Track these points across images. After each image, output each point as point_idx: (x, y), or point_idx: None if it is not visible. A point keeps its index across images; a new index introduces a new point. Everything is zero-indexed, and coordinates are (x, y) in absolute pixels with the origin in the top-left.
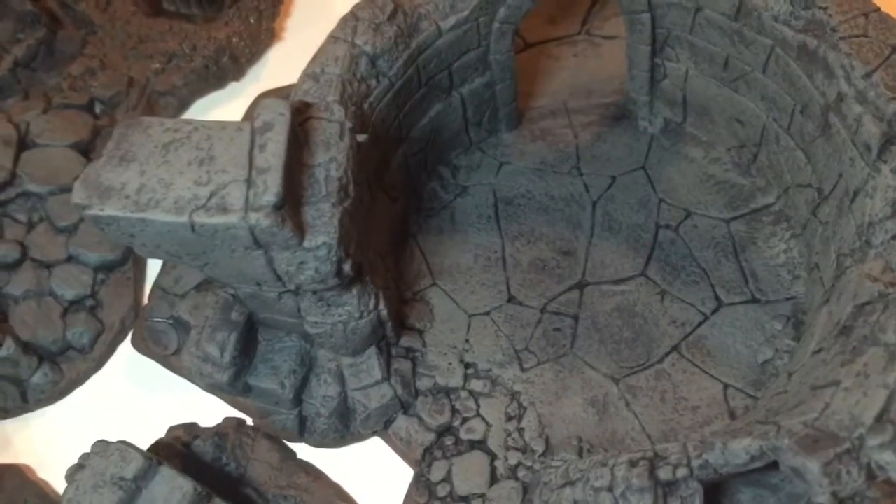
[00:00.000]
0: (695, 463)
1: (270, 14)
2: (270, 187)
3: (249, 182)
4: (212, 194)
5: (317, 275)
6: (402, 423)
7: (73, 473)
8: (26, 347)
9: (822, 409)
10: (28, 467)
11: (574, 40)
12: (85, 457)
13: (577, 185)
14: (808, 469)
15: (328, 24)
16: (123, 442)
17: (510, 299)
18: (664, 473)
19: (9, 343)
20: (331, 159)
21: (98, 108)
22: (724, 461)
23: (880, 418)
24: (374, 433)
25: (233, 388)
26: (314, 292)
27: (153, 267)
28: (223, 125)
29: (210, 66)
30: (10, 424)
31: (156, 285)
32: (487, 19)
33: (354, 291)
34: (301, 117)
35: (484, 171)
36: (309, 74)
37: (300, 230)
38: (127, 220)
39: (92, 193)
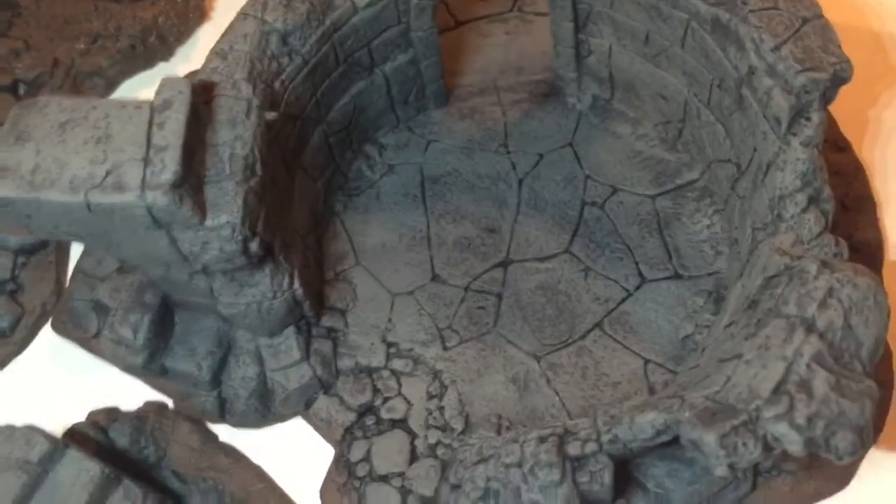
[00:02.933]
0: (604, 438)
1: None
2: (168, 165)
3: (147, 160)
4: (108, 173)
5: (221, 254)
6: (322, 403)
7: None
8: None
9: (724, 383)
10: None
11: (505, 17)
12: None
13: (504, 162)
14: (704, 441)
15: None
16: (30, 426)
17: (434, 278)
18: (573, 449)
19: None
20: (236, 137)
21: (22, 90)
22: (632, 436)
23: (777, 390)
24: (296, 414)
25: (148, 370)
26: (224, 272)
27: (76, 250)
28: (122, 103)
29: (137, 46)
30: None
31: (77, 268)
32: None
33: (267, 270)
34: (207, 95)
35: (411, 149)
36: (217, 52)
37: (201, 209)
38: (22, 201)
39: None
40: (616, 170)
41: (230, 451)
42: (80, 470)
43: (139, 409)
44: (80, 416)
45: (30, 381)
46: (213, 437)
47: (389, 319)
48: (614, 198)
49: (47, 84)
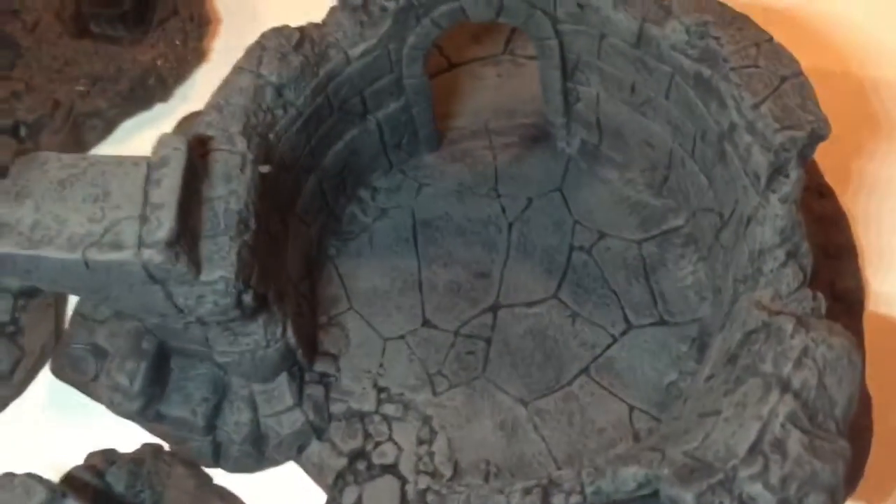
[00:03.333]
0: (588, 490)
1: (197, 35)
2: (164, 224)
3: (143, 218)
4: (105, 231)
5: (216, 307)
6: (315, 448)
7: None
8: None
9: (703, 439)
10: None
11: (498, 60)
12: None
13: (494, 206)
14: (682, 499)
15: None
16: (29, 474)
17: (425, 323)
18: (557, 501)
19: None
20: (231, 192)
21: (23, 132)
22: (615, 488)
23: (753, 450)
24: (289, 458)
25: (144, 416)
26: (219, 323)
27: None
28: (120, 161)
29: (136, 88)
30: None
31: (76, 311)
32: (398, 45)
33: (261, 321)
34: (203, 149)
35: (404, 193)
36: (213, 105)
37: (196, 265)
38: (21, 257)
39: None
40: (603, 215)
41: (225, 495)
42: None
43: (136, 451)
44: (78, 458)
45: (28, 423)
46: (209, 480)
47: (381, 364)
48: (602, 243)
49: (48, 126)
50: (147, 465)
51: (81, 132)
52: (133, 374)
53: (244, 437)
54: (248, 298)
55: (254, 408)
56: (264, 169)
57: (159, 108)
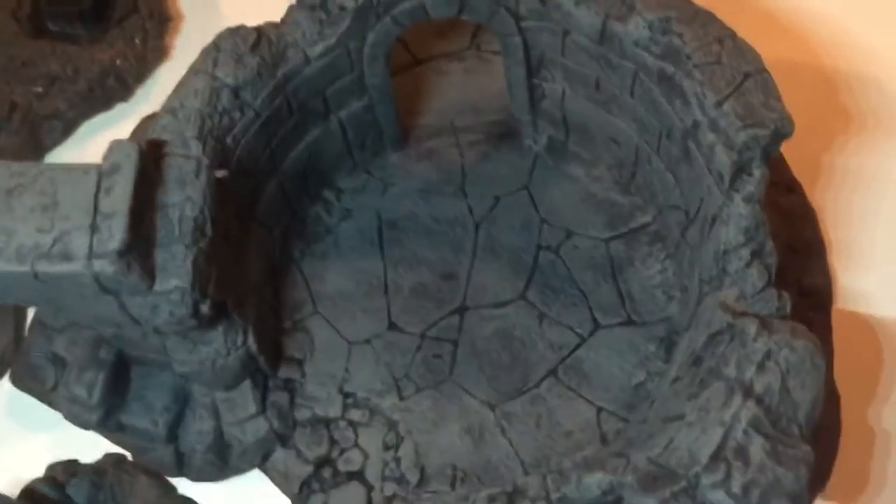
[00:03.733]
0: (553, 496)
1: (157, 33)
2: (115, 234)
3: (94, 228)
4: (55, 241)
5: (171, 318)
6: (279, 455)
7: None
8: None
9: (666, 444)
10: None
11: (464, 55)
12: None
13: (461, 206)
14: None
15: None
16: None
17: (391, 326)
18: None
19: None
20: (186, 198)
21: None
22: (579, 495)
23: (715, 456)
24: (253, 466)
25: (104, 427)
26: (176, 332)
27: None
28: (69, 168)
29: (95, 88)
30: None
31: (35, 319)
32: (358, 44)
33: (220, 329)
34: (157, 153)
35: (369, 193)
36: (167, 109)
37: (150, 274)
38: None
39: None
40: (571, 213)
41: None
42: None
43: (97, 462)
44: (38, 470)
45: None
46: (172, 490)
47: (346, 369)
48: (569, 241)
49: (5, 128)
50: (109, 476)
51: (40, 134)
52: (91, 384)
53: (207, 446)
54: (205, 308)
55: (216, 416)
56: (220, 173)
57: (120, 108)
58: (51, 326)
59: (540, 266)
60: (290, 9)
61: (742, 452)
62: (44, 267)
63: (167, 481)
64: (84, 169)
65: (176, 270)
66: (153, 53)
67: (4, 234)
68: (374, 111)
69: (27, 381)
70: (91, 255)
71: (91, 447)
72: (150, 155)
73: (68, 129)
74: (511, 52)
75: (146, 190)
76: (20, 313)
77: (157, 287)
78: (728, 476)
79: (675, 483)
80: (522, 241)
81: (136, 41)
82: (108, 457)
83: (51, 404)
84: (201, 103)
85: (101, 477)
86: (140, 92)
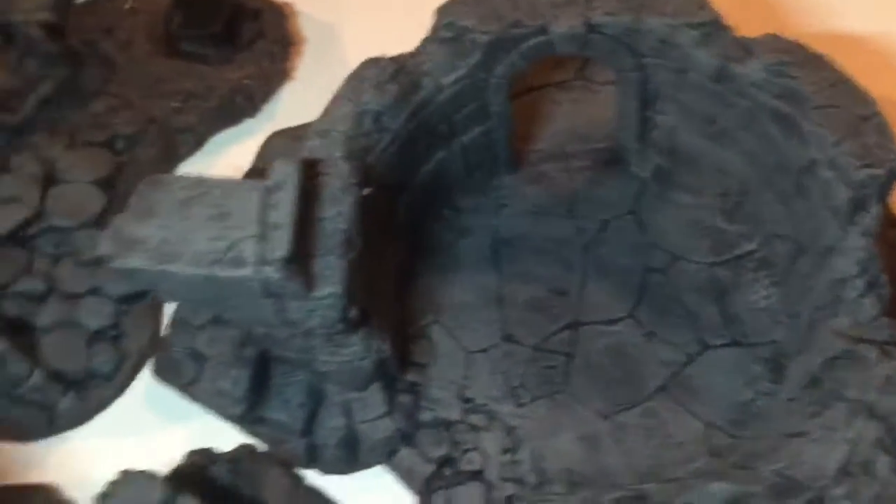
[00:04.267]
0: (677, 502)
1: (282, 56)
2: (281, 244)
3: (262, 238)
4: (228, 249)
5: (324, 321)
6: (404, 454)
7: (101, 501)
8: (54, 375)
9: (792, 459)
10: (54, 487)
11: (572, 85)
12: (111, 485)
13: (570, 227)
14: None
15: (337, 66)
16: (147, 471)
17: (506, 337)
18: None
19: (37, 374)
20: (338, 213)
21: (119, 145)
22: (702, 503)
23: (842, 471)
24: (379, 462)
25: (245, 420)
26: (323, 335)
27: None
28: (237, 184)
29: (225, 105)
30: (37, 447)
31: (174, 318)
32: (485, 74)
33: (361, 334)
34: (311, 172)
35: (484, 212)
36: (317, 132)
37: (309, 281)
38: (151, 273)
39: (118, 246)
40: (677, 237)
41: (319, 496)
42: None
43: (233, 451)
44: (176, 456)
45: (129, 422)
46: (301, 480)
47: (465, 376)
48: (675, 265)
49: (143, 140)
50: (245, 464)
51: (174, 146)
52: (237, 379)
53: (338, 442)
54: (352, 313)
55: (348, 414)
56: (365, 191)
57: (246, 123)
58: (190, 325)
59: (648, 287)
60: (425, 41)
61: (868, 468)
62: (218, 271)
63: (296, 472)
64: (251, 185)
65: (330, 279)
66: (278, 74)
67: (182, 241)
68: (492, 136)
69: (168, 374)
70: (260, 262)
71: (223, 438)
72: (306, 173)
73: (199, 141)
74: (627, 85)
75: (305, 205)
76: (158, 312)
77: (315, 293)
78: (856, 488)
79: (803, 494)
80: (630, 262)
81: (263, 63)
82: (243, 447)
83: (190, 396)
84: (347, 127)
85: (237, 464)
86: (265, 109)
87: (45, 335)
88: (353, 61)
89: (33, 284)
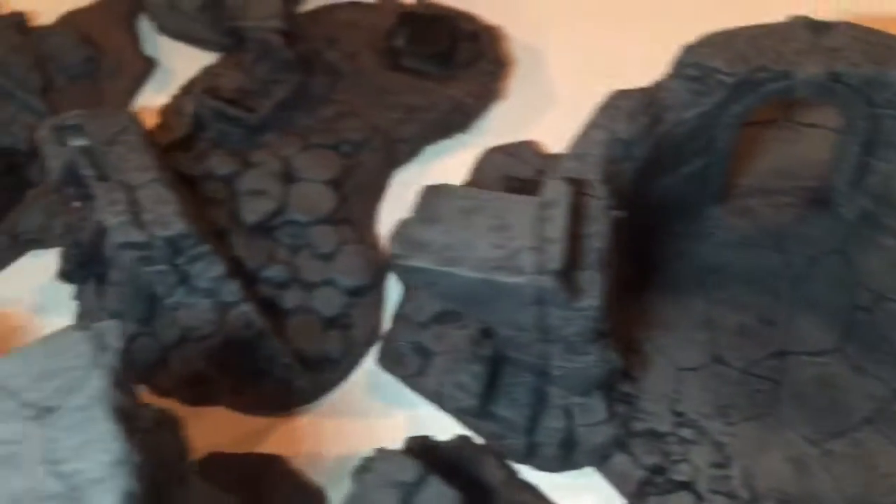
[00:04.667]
0: None
1: (497, 76)
2: (555, 256)
3: (538, 250)
4: (507, 257)
5: (579, 330)
6: (618, 458)
7: (359, 473)
8: (295, 355)
9: None
10: (284, 458)
11: (780, 125)
12: (369, 460)
13: (777, 260)
14: None
15: (544, 87)
16: (401, 451)
17: (716, 358)
18: None
19: (286, 353)
20: (596, 232)
21: (345, 149)
22: None
23: None
24: (591, 464)
25: (475, 413)
26: (566, 341)
27: (393, 295)
28: (513, 199)
29: (443, 119)
30: (271, 420)
31: (399, 312)
32: (721, 112)
33: (599, 343)
34: (575, 192)
35: (694, 239)
36: (574, 156)
37: (575, 293)
38: (434, 272)
39: (406, 247)
40: (884, 279)
41: (531, 489)
42: (441, 495)
43: (452, 440)
44: (393, 441)
45: (350, 405)
46: (515, 473)
47: (676, 391)
48: (883, 305)
49: (367, 146)
50: (464, 452)
51: (393, 153)
52: (475, 375)
53: (558, 442)
54: (602, 325)
55: (569, 417)
56: (618, 214)
57: (458, 137)
58: (414, 321)
59: (855, 323)
60: (669, 76)
61: None
62: (498, 277)
63: (509, 465)
64: (526, 201)
65: (590, 292)
66: (491, 93)
67: (465, 246)
68: (710, 169)
69: (392, 364)
70: (537, 271)
71: (438, 427)
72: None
73: (414, 151)
74: (854, 132)
75: (572, 222)
76: (383, 306)
77: (578, 304)
78: None
79: None
80: (837, 298)
81: (480, 82)
82: (460, 437)
83: (412, 387)
84: (601, 152)
85: (458, 452)
86: (476, 126)
87: (288, 318)
88: (559, 84)
89: (278, 272)
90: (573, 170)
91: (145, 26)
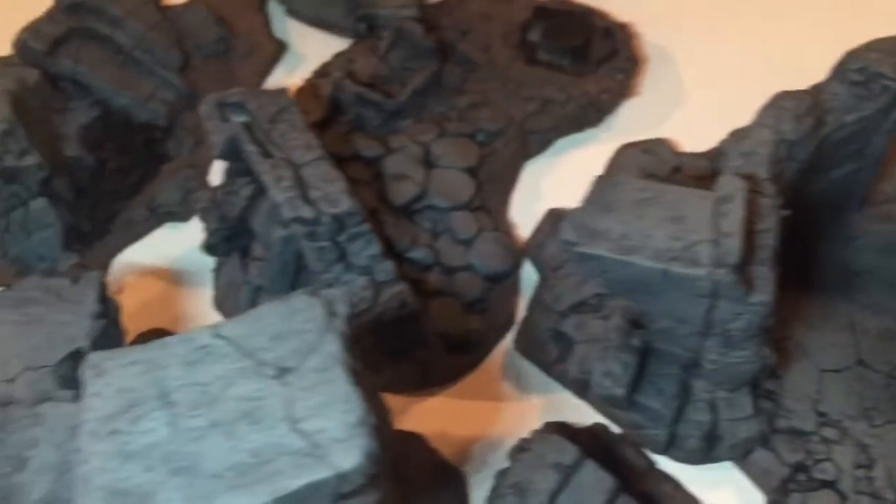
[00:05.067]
0: None
1: (631, 73)
2: (732, 250)
3: (715, 243)
4: (684, 249)
5: (747, 325)
6: (760, 454)
7: (515, 453)
8: (438, 337)
9: None
10: (427, 436)
11: None
12: (526, 441)
13: None
14: None
15: (675, 86)
16: (558, 434)
17: (859, 362)
18: None
19: (430, 335)
20: (767, 229)
21: (480, 138)
22: None
23: None
24: (731, 459)
25: (623, 402)
26: (722, 335)
27: (528, 283)
28: (688, 192)
29: (577, 113)
30: (410, 401)
31: (536, 299)
32: (881, 117)
33: (755, 340)
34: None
35: (837, 243)
36: (741, 153)
37: (748, 287)
38: (610, 260)
39: (581, 234)
40: None
41: (671, 480)
42: (597, 479)
43: (589, 427)
44: (528, 426)
45: (485, 389)
46: (655, 464)
47: (818, 391)
48: None
49: (502, 136)
50: (603, 441)
51: (526, 145)
52: (626, 364)
53: (702, 435)
54: (768, 321)
55: (714, 411)
56: (785, 213)
57: (588, 132)
58: (552, 308)
59: None
60: (828, 79)
61: None
62: (675, 268)
63: (646, 453)
64: (701, 195)
65: (762, 287)
66: (624, 90)
67: (641, 236)
68: (858, 175)
69: (530, 351)
70: (715, 264)
71: (573, 415)
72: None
73: (545, 143)
74: None
75: (748, 218)
76: (519, 292)
77: (751, 299)
78: None
79: None
80: None
81: (615, 78)
82: (598, 425)
83: (549, 373)
84: (767, 151)
85: (596, 439)
86: (606, 122)
87: (431, 300)
88: (690, 84)
89: (422, 254)
90: (739, 167)
91: (275, 9)
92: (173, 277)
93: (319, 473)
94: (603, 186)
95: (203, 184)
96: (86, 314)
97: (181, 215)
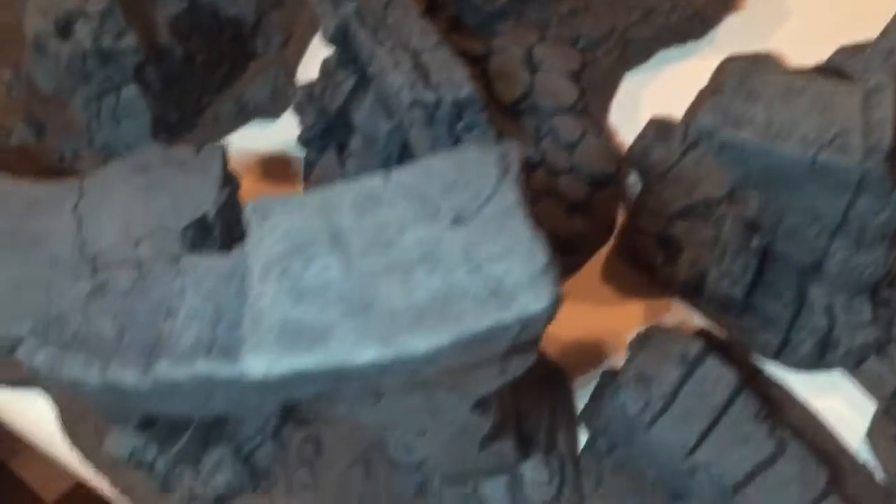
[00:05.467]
0: None
1: None
2: (883, 141)
3: (865, 133)
4: (833, 138)
5: (887, 222)
6: (874, 363)
7: (639, 344)
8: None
9: None
10: None
11: None
12: (650, 332)
13: None
14: None
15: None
16: (679, 328)
17: None
18: None
19: None
20: None
21: (582, 44)
22: None
23: None
24: (845, 367)
25: (738, 305)
26: (855, 233)
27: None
28: (836, 83)
29: (681, 24)
30: None
31: (639, 204)
32: None
33: (885, 242)
34: None
35: None
36: (879, 52)
37: (893, 183)
38: (752, 149)
39: (722, 120)
40: None
41: (779, 385)
42: (720, 375)
43: (695, 331)
44: (630, 329)
45: (588, 292)
46: (762, 370)
47: None
48: None
49: (603, 44)
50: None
51: (627, 54)
52: (745, 265)
53: (816, 341)
54: None
55: (831, 317)
56: None
57: (691, 44)
58: (661, 214)
59: None
60: None
61: None
62: (822, 156)
63: (753, 362)
64: (849, 87)
65: None
66: (729, 3)
67: (788, 124)
68: None
69: (634, 256)
70: (866, 153)
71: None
72: None
73: (648, 53)
74: None
75: None
76: (622, 197)
77: (894, 194)
78: None
79: None
80: None
81: None
82: (702, 330)
83: (656, 276)
84: None
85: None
86: (710, 34)
87: (535, 201)
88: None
89: (528, 153)
90: (882, 66)
91: None
92: (261, 173)
93: (507, 315)
94: (744, 74)
95: (291, 82)
96: (212, 182)
97: (270, 112)
